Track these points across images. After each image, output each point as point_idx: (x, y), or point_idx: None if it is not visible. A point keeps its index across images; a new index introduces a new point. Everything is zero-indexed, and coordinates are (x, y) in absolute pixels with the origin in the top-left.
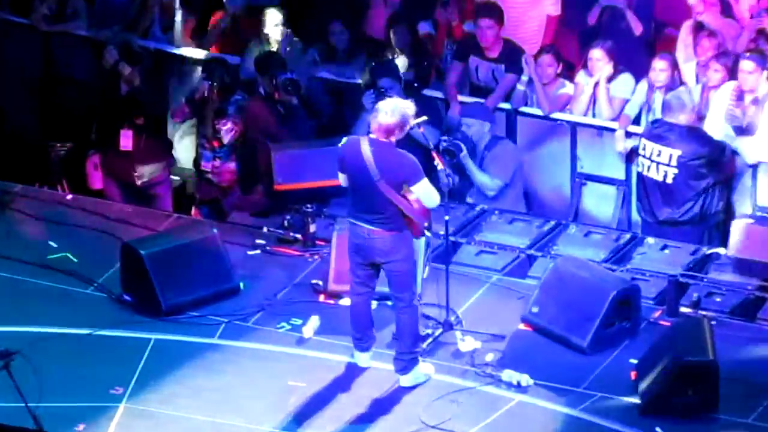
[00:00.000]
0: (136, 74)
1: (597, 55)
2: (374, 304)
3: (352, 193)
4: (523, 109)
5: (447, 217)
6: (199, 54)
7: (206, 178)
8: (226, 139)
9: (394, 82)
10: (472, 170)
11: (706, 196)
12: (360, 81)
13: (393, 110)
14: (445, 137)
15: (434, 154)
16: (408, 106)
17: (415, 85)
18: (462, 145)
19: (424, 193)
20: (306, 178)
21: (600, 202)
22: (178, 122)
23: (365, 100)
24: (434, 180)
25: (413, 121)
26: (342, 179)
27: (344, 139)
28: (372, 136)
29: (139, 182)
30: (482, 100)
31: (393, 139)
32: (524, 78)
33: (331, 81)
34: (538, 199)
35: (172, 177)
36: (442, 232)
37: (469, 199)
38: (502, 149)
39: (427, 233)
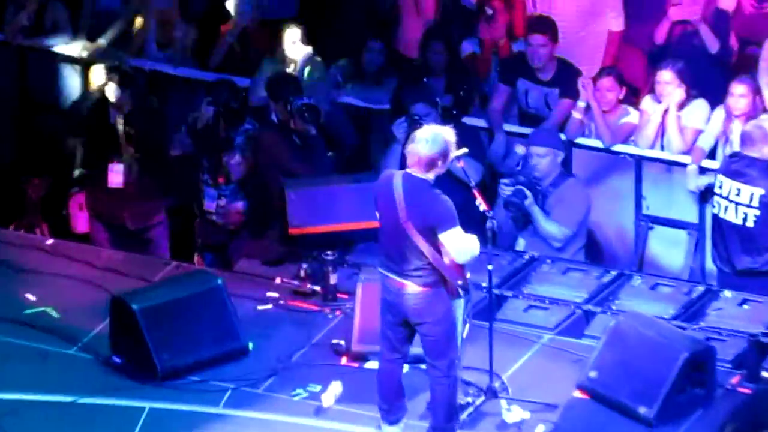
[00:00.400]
0: (127, 98)
1: (666, 77)
2: (406, 367)
3: (382, 238)
4: (580, 140)
5: (490, 267)
6: (203, 75)
7: (210, 219)
8: (233, 175)
9: (431, 109)
10: (537, 218)
11: None
12: (389, 107)
13: (434, 139)
14: (506, 181)
15: (475, 193)
16: (450, 134)
17: (455, 112)
18: (526, 191)
19: (453, 245)
20: (326, 220)
21: (669, 249)
22: (177, 154)
23: (396, 130)
24: (476, 225)
25: (454, 153)
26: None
27: (381, 175)
28: (409, 170)
29: (131, 225)
30: (529, 130)
31: (433, 174)
32: (581, 104)
33: (355, 107)
34: (597, 246)
35: None
36: (484, 284)
37: (521, 241)
38: (570, 190)
39: (462, 293)
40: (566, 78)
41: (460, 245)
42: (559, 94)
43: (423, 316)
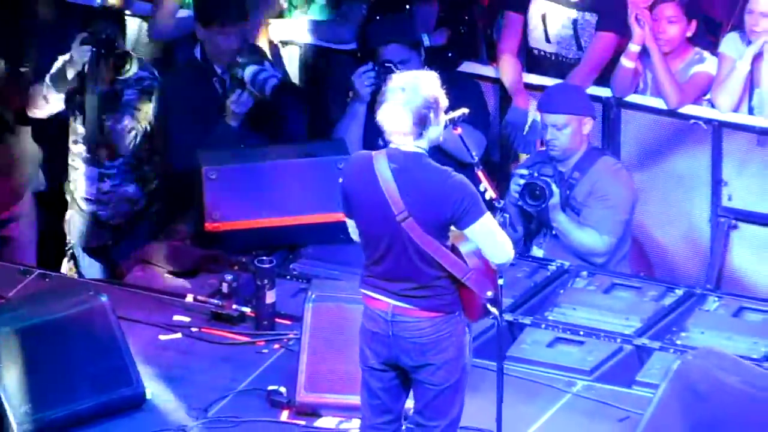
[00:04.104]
0: None
1: (763, 5)
2: None
3: (365, 247)
4: (632, 98)
5: (501, 281)
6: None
7: (87, 211)
8: (122, 147)
9: (410, 51)
10: (565, 228)
11: None
12: (356, 46)
13: (413, 86)
14: (523, 172)
15: (480, 174)
16: (433, 79)
17: (449, 55)
18: (554, 186)
19: (488, 240)
20: (260, 211)
21: (761, 258)
22: (39, 117)
23: (357, 83)
24: None
25: (446, 116)
26: (351, 228)
27: (350, 158)
28: (394, 144)
29: None
30: (558, 81)
31: (425, 142)
32: (634, 48)
33: (309, 47)
34: (654, 251)
35: None
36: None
37: (538, 250)
38: (607, 176)
39: (494, 311)
40: (608, 1)
41: (497, 238)
42: (597, 25)
43: (427, 356)
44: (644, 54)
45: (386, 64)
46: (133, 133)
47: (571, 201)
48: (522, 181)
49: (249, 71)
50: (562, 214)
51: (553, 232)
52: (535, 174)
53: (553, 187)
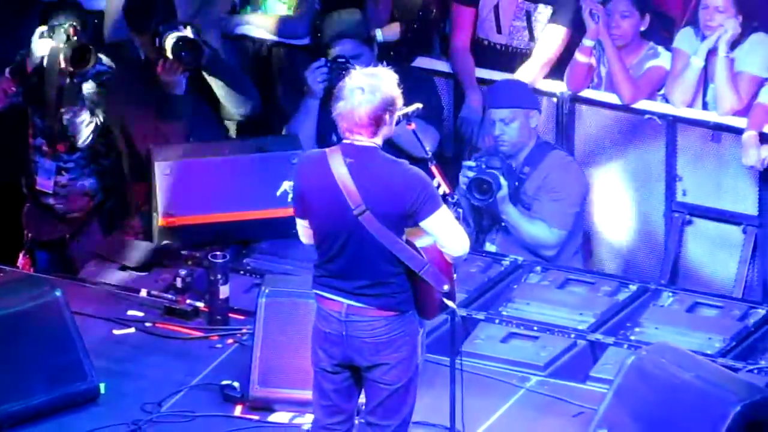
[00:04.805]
0: None
1: (715, 0)
2: None
3: (319, 245)
4: (586, 93)
5: (454, 275)
6: None
7: (45, 204)
8: (79, 140)
9: (363, 47)
10: (515, 221)
11: None
12: (309, 42)
13: (371, 86)
14: (471, 164)
15: (434, 169)
16: (390, 77)
17: (402, 50)
18: (502, 179)
19: (445, 233)
20: (213, 206)
21: (715, 253)
22: None
23: (311, 79)
24: None
25: (400, 111)
26: (302, 230)
27: (302, 158)
28: (348, 140)
29: None
30: (509, 76)
31: (379, 138)
32: (587, 42)
33: (261, 43)
34: (607, 247)
35: None
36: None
37: (490, 246)
38: (557, 168)
39: (451, 305)
40: None
41: (453, 231)
42: (550, 18)
43: (381, 355)
44: (598, 49)
45: (339, 60)
46: (92, 126)
47: (521, 195)
48: (471, 174)
49: (168, 39)
50: (511, 206)
51: (503, 224)
52: (483, 167)
53: (501, 180)
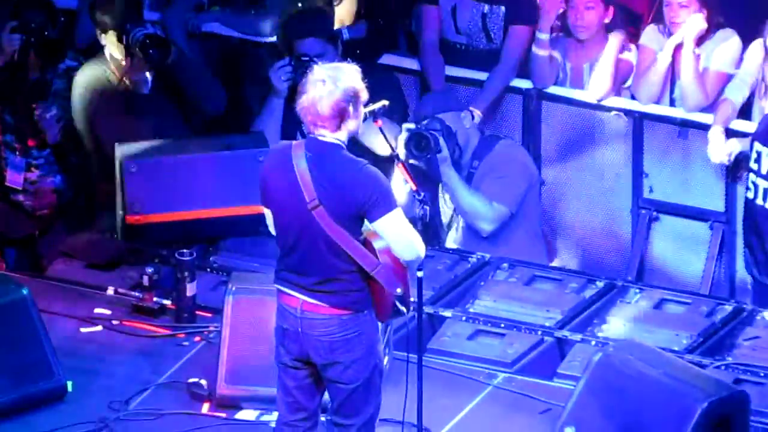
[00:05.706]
0: None
1: None
2: None
3: (278, 237)
4: (552, 89)
5: (420, 273)
6: None
7: (14, 201)
8: (49, 137)
9: (327, 45)
10: (454, 186)
11: None
12: (275, 39)
13: (334, 78)
14: (410, 126)
15: (399, 166)
16: (354, 72)
17: (367, 47)
18: (441, 141)
19: (397, 235)
20: (181, 203)
21: (681, 250)
22: None
23: (274, 77)
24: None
25: (365, 108)
26: (268, 219)
27: (270, 148)
28: (312, 135)
29: None
30: (481, 76)
31: (345, 133)
32: (542, 36)
33: (227, 39)
34: (573, 243)
35: None
36: (412, 299)
37: (452, 243)
38: (502, 155)
39: (402, 309)
40: None
41: (406, 234)
42: (505, 17)
43: (335, 354)
44: (559, 43)
45: (302, 58)
46: (62, 122)
47: (471, 182)
48: (410, 127)
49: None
50: (453, 171)
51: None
52: (423, 127)
53: (441, 141)
